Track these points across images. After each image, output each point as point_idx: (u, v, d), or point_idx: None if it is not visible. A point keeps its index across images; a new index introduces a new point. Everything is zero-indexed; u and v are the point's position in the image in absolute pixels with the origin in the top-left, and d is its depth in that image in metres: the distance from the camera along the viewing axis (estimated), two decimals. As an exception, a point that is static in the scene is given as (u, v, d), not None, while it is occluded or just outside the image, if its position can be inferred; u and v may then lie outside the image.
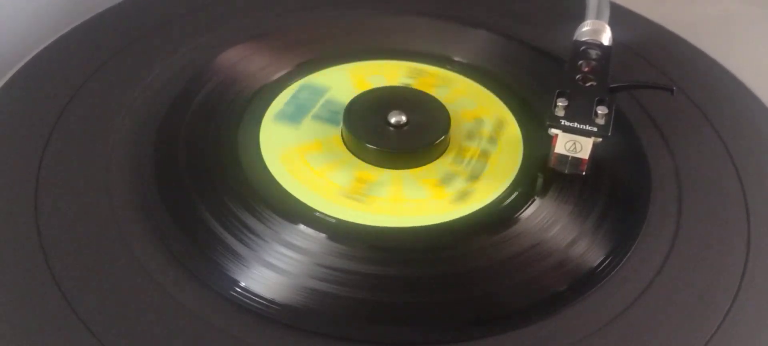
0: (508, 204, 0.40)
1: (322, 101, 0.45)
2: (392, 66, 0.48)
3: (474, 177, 0.41)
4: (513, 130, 0.44)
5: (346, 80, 0.46)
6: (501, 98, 0.46)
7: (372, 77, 0.47)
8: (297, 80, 0.46)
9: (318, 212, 0.38)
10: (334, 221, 0.38)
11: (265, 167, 0.41)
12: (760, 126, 0.47)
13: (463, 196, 0.40)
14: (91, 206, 0.38)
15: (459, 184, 0.41)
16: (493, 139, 0.43)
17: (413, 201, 0.40)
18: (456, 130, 0.43)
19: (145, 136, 0.42)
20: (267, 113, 0.44)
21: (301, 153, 0.41)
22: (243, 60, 0.47)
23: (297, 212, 0.38)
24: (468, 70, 0.48)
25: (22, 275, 0.35)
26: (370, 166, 0.41)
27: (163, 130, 0.42)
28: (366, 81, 0.46)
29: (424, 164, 0.42)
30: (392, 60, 0.48)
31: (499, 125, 0.44)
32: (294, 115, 0.44)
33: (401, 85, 0.46)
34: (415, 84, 0.46)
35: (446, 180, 0.41)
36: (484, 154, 0.42)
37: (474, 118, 0.45)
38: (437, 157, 0.42)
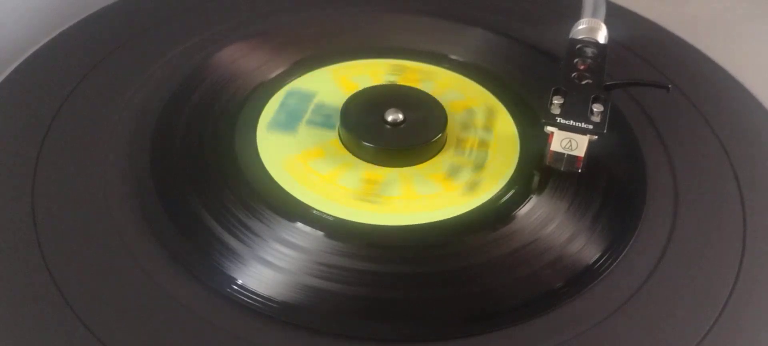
0: (505, 201, 0.40)
1: (312, 106, 0.45)
2: (374, 64, 0.48)
3: (479, 166, 0.41)
4: (507, 124, 0.44)
5: (331, 83, 0.46)
6: (490, 90, 0.46)
7: (356, 78, 0.47)
8: (281, 87, 0.46)
9: (317, 210, 0.39)
10: (335, 219, 0.38)
11: (263, 167, 0.41)
12: (756, 123, 0.47)
13: (472, 186, 0.40)
14: (88, 203, 0.38)
15: (466, 174, 0.41)
16: (487, 128, 0.44)
17: (426, 197, 0.40)
18: (450, 122, 0.43)
19: (142, 134, 0.42)
20: (260, 123, 0.44)
21: (304, 160, 0.41)
22: (239, 59, 0.47)
23: (297, 211, 0.38)
24: (450, 63, 0.48)
25: (19, 273, 0.35)
26: (375, 166, 0.41)
27: (160, 127, 0.42)
28: (351, 82, 0.46)
29: (428, 159, 0.42)
30: (373, 59, 0.48)
31: (490, 113, 0.45)
32: (287, 122, 0.44)
33: (390, 83, 0.46)
34: (401, 80, 0.47)
35: (453, 172, 0.41)
36: (483, 144, 0.43)
37: (464, 108, 0.45)
38: (439, 151, 0.42)
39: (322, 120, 0.44)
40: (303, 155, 0.42)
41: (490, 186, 0.40)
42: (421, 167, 0.41)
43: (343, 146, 0.42)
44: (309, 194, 0.39)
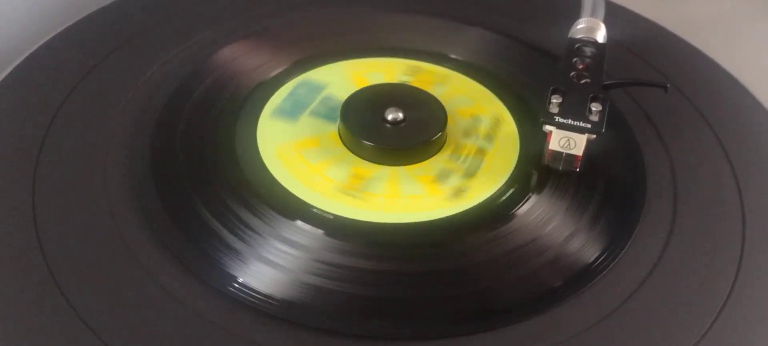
0: (504, 200, 0.40)
1: (320, 98, 0.45)
2: (390, 63, 0.48)
3: (469, 174, 0.41)
4: (509, 126, 0.44)
5: (345, 77, 0.47)
6: (498, 95, 0.46)
7: (370, 74, 0.47)
8: (295, 77, 0.46)
9: (315, 208, 0.39)
10: (331, 217, 0.38)
11: (262, 164, 0.41)
12: (755, 123, 0.47)
13: (458, 193, 0.40)
14: (89, 203, 0.38)
15: (454, 181, 0.41)
16: (489, 137, 0.43)
17: (409, 197, 0.40)
18: (453, 127, 0.43)
19: (142, 134, 0.42)
20: (265, 109, 0.44)
21: (297, 149, 0.42)
22: (240, 57, 0.47)
23: (294, 209, 0.38)
24: (465, 67, 0.48)
25: (19, 273, 0.35)
26: (366, 162, 0.41)
27: (160, 127, 0.42)
28: (364, 78, 0.46)
29: (421, 161, 0.42)
30: (390, 57, 0.48)
31: (496, 123, 0.44)
32: (292, 111, 0.44)
33: (399, 82, 0.46)
34: (414, 81, 0.47)
35: (442, 177, 0.41)
36: (481, 152, 0.42)
37: (471, 115, 0.45)
38: (434, 154, 0.42)
39: (326, 112, 0.44)
40: (298, 143, 0.42)
41: (476, 195, 0.40)
42: (412, 168, 0.41)
43: (340, 140, 0.42)
44: (291, 181, 0.40)
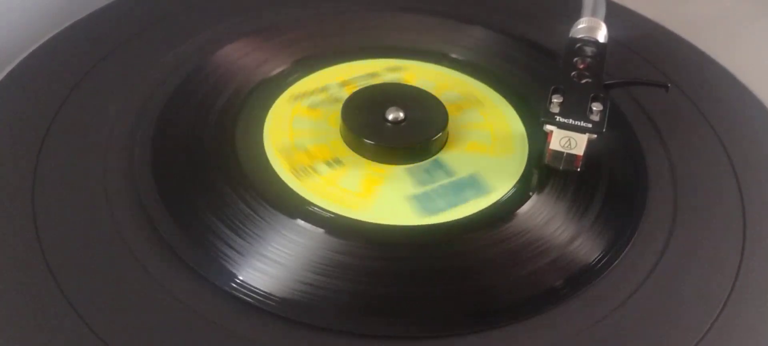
0: (506, 200, 0.40)
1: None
2: (418, 68, 0.48)
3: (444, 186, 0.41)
4: (510, 130, 0.44)
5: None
6: (505, 109, 0.46)
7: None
8: (324, 67, 0.47)
9: (316, 206, 0.39)
10: (331, 216, 0.38)
11: (264, 161, 0.41)
12: (756, 123, 0.47)
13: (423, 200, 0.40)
14: (89, 201, 0.38)
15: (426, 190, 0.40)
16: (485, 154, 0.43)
17: (382, 198, 0.40)
18: (455, 135, 0.43)
19: (143, 132, 0.42)
20: (285, 93, 0.45)
21: (293, 112, 0.43)
22: (241, 56, 0.47)
23: (295, 207, 0.38)
24: (464, 66, 0.48)
25: (19, 273, 0.35)
26: (350, 152, 0.42)
27: (161, 125, 0.42)
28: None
29: (408, 163, 0.42)
30: (419, 61, 0.48)
31: (501, 140, 0.44)
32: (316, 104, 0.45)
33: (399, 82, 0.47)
34: (434, 87, 0.46)
35: (418, 183, 0.41)
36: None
37: (476, 129, 0.44)
38: (420, 160, 0.42)
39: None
40: (295, 108, 0.44)
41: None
42: (394, 167, 0.41)
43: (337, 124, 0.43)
44: (269, 146, 0.41)
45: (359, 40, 0.50)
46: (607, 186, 0.41)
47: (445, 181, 0.41)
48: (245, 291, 0.35)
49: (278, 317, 0.34)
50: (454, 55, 0.49)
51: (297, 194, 0.39)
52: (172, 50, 0.47)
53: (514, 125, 0.45)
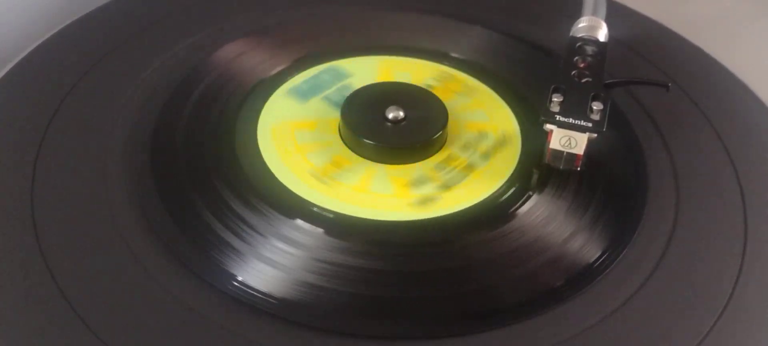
0: (505, 199, 0.40)
1: (339, 85, 0.45)
2: (421, 66, 0.48)
3: (446, 187, 0.40)
4: (511, 130, 0.44)
5: (373, 71, 0.47)
6: (514, 112, 0.46)
7: (400, 73, 0.47)
8: (325, 63, 0.47)
9: (316, 206, 0.39)
10: (331, 215, 0.38)
11: (263, 162, 0.41)
12: (757, 122, 0.47)
13: (425, 201, 0.40)
14: (88, 202, 0.38)
15: (428, 189, 0.40)
16: (486, 155, 0.43)
17: (375, 195, 0.40)
18: (456, 138, 0.43)
19: (142, 132, 0.42)
20: (281, 87, 0.45)
21: (292, 129, 0.42)
22: (243, 54, 0.47)
23: (294, 207, 0.38)
24: (465, 65, 0.48)
25: (19, 273, 0.35)
26: (351, 153, 0.42)
27: (160, 125, 0.42)
28: (392, 75, 0.47)
29: (405, 163, 0.41)
30: (422, 59, 0.48)
31: (501, 142, 0.43)
32: (306, 92, 0.45)
33: (425, 85, 0.46)
34: (440, 87, 0.46)
35: (417, 183, 0.40)
36: (469, 168, 0.42)
37: (479, 130, 0.44)
38: (421, 159, 0.42)
39: (338, 100, 0.44)
40: (295, 124, 0.43)
41: (443, 207, 0.39)
42: (393, 167, 0.41)
43: (337, 129, 0.43)
44: (275, 160, 0.41)
45: (360, 39, 0.50)
46: (607, 185, 0.41)
47: (440, 181, 0.41)
48: (245, 291, 0.35)
49: (278, 318, 0.34)
50: (454, 55, 0.49)
51: (296, 194, 0.39)
52: (171, 50, 0.47)
53: (514, 125, 0.44)
